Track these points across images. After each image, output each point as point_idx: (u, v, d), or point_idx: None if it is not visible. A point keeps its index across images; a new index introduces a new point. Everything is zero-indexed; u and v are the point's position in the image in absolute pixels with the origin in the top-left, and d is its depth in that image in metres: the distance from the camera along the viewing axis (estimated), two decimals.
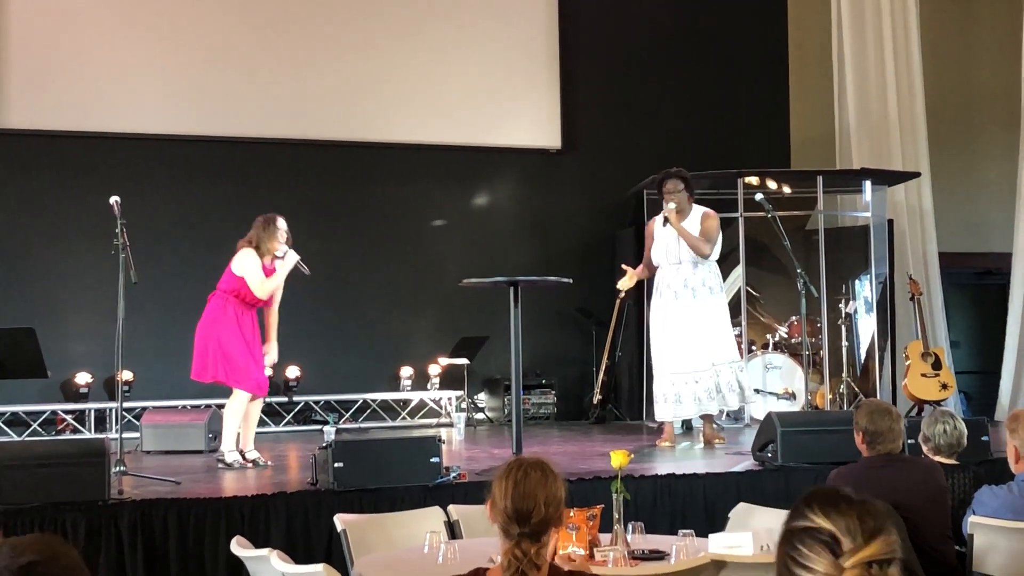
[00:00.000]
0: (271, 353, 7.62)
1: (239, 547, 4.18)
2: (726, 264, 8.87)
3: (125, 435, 7.07)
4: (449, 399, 10.90)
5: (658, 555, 3.99)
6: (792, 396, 9.74)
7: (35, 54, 10.28)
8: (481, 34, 11.47)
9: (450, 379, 10.97)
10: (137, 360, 9.47)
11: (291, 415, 10.42)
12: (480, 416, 10.93)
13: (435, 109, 11.24)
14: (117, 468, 6.25)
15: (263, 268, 7.40)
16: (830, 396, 9.96)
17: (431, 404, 10.96)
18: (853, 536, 1.91)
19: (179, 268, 10.10)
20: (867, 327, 10.90)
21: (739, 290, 10.18)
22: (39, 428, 9.69)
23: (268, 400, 9.99)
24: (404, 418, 10.82)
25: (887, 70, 11.43)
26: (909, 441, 5.77)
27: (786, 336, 10.34)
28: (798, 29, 12.49)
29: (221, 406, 7.83)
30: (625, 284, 8.47)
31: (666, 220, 8.01)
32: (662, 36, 12.07)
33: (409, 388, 10.96)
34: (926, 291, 10.93)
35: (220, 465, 7.28)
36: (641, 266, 8.37)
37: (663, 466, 6.70)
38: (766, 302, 10.73)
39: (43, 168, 10.37)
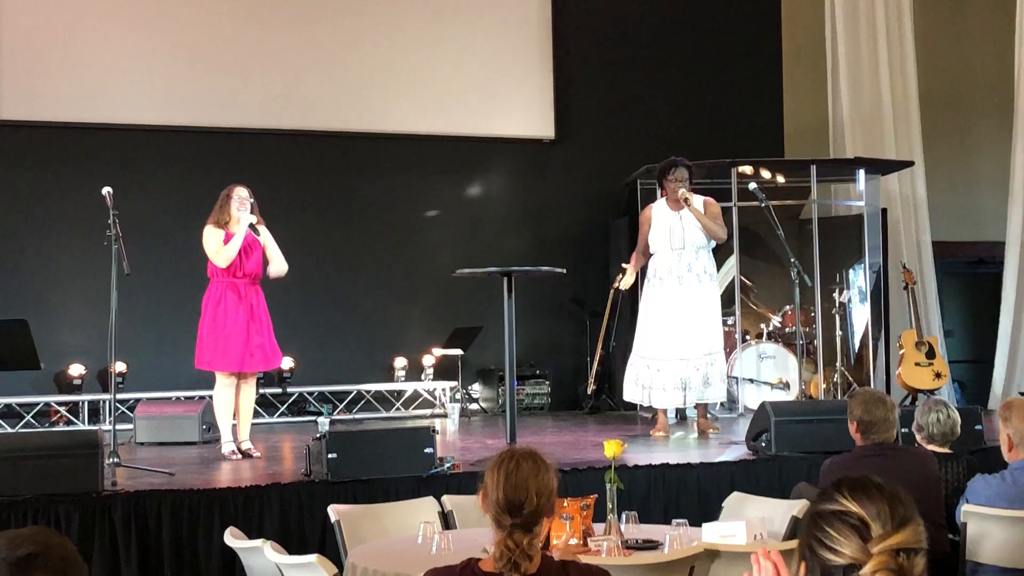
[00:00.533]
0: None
1: (233, 538, 4.18)
2: (720, 254, 8.87)
3: (119, 427, 7.07)
4: (443, 390, 10.90)
5: (652, 544, 4.00)
6: (786, 386, 9.75)
7: (26, 45, 10.24)
8: (474, 24, 11.45)
9: (444, 370, 10.96)
10: (130, 352, 9.46)
11: (285, 406, 10.42)
12: (474, 407, 10.92)
13: (428, 99, 11.21)
14: (111, 460, 6.24)
15: (229, 237, 7.35)
16: (824, 385, 9.97)
17: (425, 395, 10.96)
18: (883, 522, 1.91)
19: (173, 259, 10.07)
20: (861, 316, 10.91)
21: (733, 280, 10.18)
22: (33, 420, 9.68)
23: (262, 391, 10.00)
24: (398, 409, 10.82)
25: (880, 59, 11.43)
26: (903, 430, 5.77)
27: (780, 325, 10.34)
28: (792, 18, 12.48)
29: None
30: (627, 283, 8.47)
31: (686, 201, 8.01)
32: (655, 25, 12.05)
33: (403, 379, 10.95)
34: (920, 280, 10.95)
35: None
36: (635, 256, 8.36)
37: (657, 456, 6.71)
38: (760, 292, 10.73)
39: (35, 159, 10.34)
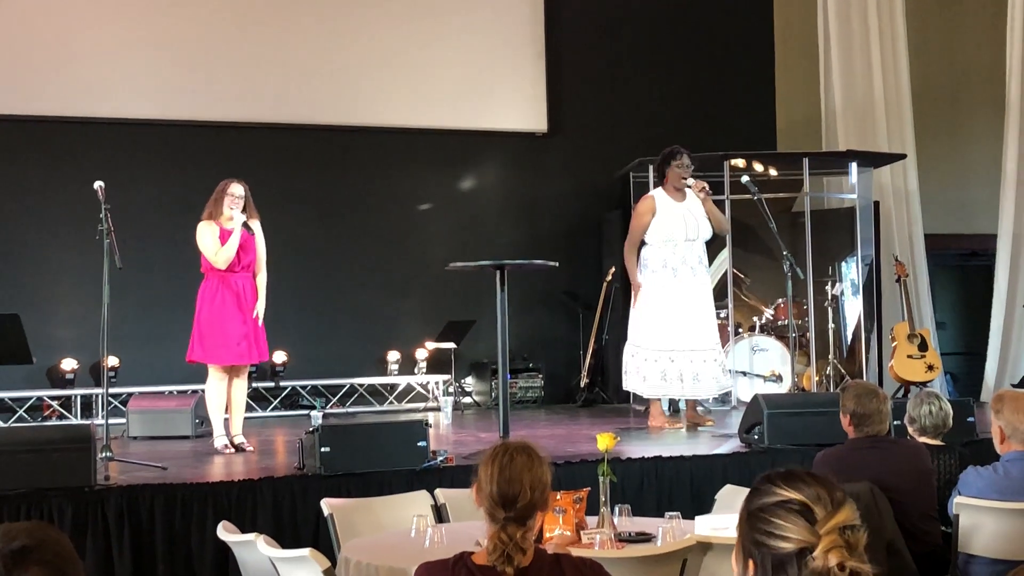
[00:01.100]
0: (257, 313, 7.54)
1: (226, 532, 4.18)
2: (712, 247, 8.88)
3: (111, 421, 7.06)
4: (436, 383, 10.90)
5: (645, 537, 4.01)
6: (778, 378, 9.76)
7: (17, 39, 10.20)
8: (467, 18, 11.42)
9: (437, 363, 10.96)
10: (123, 346, 9.44)
11: (278, 400, 10.41)
12: (467, 400, 10.93)
13: (421, 93, 11.19)
14: (103, 454, 6.25)
15: (224, 234, 7.34)
16: (816, 378, 9.99)
17: (418, 388, 10.96)
18: (824, 504, 1.97)
19: (165, 253, 10.05)
20: (853, 309, 10.92)
21: (726, 272, 10.19)
22: (25, 414, 9.66)
23: (255, 385, 10.00)
24: (391, 402, 10.82)
25: (872, 52, 11.43)
26: (895, 422, 5.79)
27: (772, 318, 10.36)
28: (784, 11, 12.48)
29: None
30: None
31: (704, 191, 8.02)
32: (648, 19, 12.04)
33: (396, 372, 10.94)
34: (912, 273, 10.96)
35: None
36: (632, 256, 8.26)
37: (650, 448, 6.72)
38: (752, 284, 10.74)
39: (26, 154, 10.31)
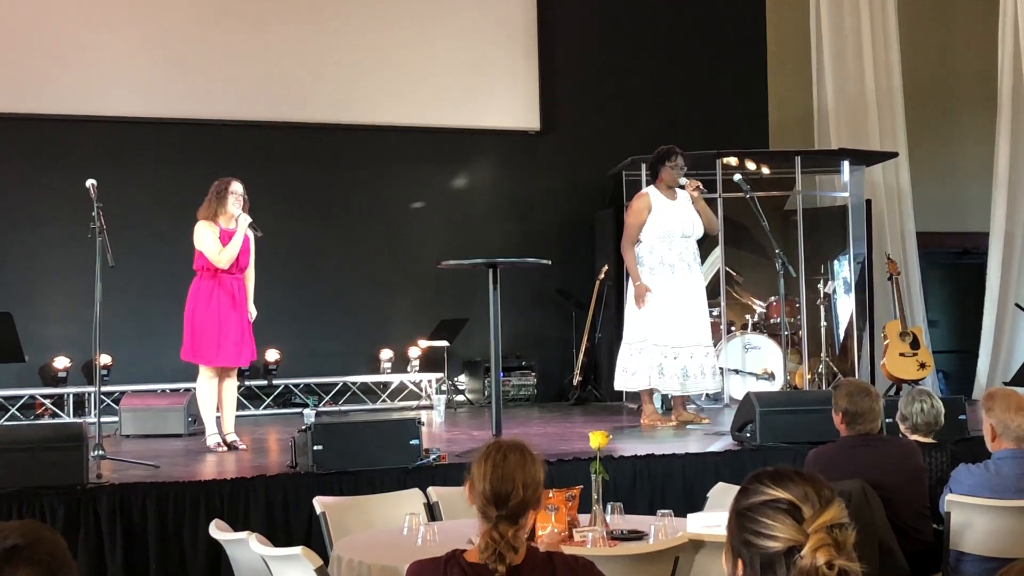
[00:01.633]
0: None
1: (218, 531, 4.18)
2: (704, 245, 8.89)
3: (104, 419, 7.07)
4: (429, 381, 10.89)
5: (637, 535, 4.01)
6: (771, 376, 9.78)
7: (8, 36, 10.18)
8: (459, 15, 11.42)
9: (430, 361, 10.96)
10: (115, 344, 9.43)
11: (271, 398, 10.41)
12: (460, 398, 10.93)
13: (414, 91, 11.19)
14: (96, 452, 6.25)
15: (224, 234, 7.34)
16: (809, 376, 10.01)
17: (411, 386, 10.96)
18: (812, 503, 1.97)
19: (157, 251, 10.04)
20: (845, 307, 10.94)
21: (718, 271, 10.19)
22: (17, 413, 9.64)
23: (247, 383, 10.00)
24: (384, 401, 10.81)
25: (865, 51, 11.45)
26: (887, 420, 5.79)
27: (765, 316, 10.37)
28: (776, 10, 12.49)
29: None
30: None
31: (698, 191, 8.04)
32: (640, 16, 12.04)
33: (389, 370, 10.94)
34: (904, 271, 10.98)
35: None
36: (631, 253, 8.25)
37: (642, 446, 6.72)
38: (745, 283, 10.75)
39: (18, 151, 10.29)
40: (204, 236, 7.30)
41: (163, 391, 9.52)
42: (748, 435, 6.75)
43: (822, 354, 10.31)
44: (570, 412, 10.03)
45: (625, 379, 8.29)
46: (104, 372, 9.22)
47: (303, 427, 6.01)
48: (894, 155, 11.13)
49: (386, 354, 10.94)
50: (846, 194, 10.76)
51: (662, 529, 3.91)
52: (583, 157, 11.67)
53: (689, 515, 4.11)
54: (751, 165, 10.63)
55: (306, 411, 8.55)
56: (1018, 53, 10.39)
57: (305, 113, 10.99)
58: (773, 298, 10.13)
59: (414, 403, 10.78)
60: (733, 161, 10.37)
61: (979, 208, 11.55)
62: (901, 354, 10.04)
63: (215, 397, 7.42)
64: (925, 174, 12.05)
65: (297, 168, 10.98)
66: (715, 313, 9.84)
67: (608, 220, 10.99)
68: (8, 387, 9.72)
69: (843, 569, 1.93)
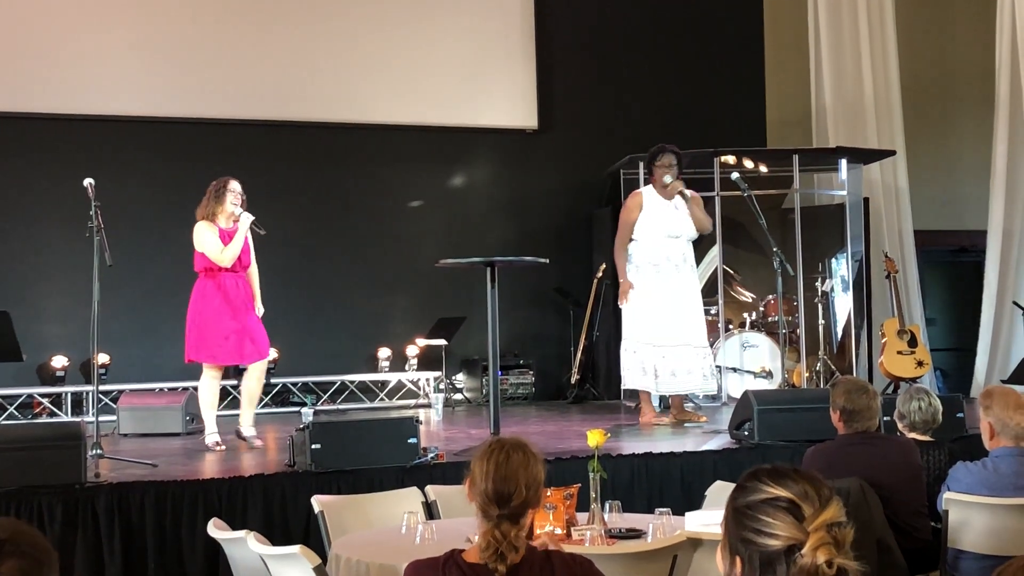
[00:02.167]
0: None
1: (216, 529, 4.18)
2: (702, 243, 8.89)
3: (102, 418, 7.06)
4: (427, 380, 10.89)
5: (635, 533, 4.01)
6: (769, 374, 9.78)
7: (7, 36, 10.17)
8: (457, 15, 11.42)
9: (428, 360, 10.96)
10: (113, 343, 9.43)
11: (269, 397, 10.39)
12: (458, 397, 10.93)
13: (411, 90, 11.19)
14: (94, 451, 6.24)
15: (223, 233, 7.34)
16: (807, 374, 10.01)
17: (409, 385, 10.95)
18: (812, 501, 1.97)
19: (155, 250, 10.04)
20: (843, 305, 10.95)
21: (716, 269, 10.19)
22: (15, 412, 9.63)
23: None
24: (382, 399, 10.81)
25: (862, 49, 11.45)
26: (885, 418, 5.80)
27: (763, 314, 10.37)
28: (774, 8, 12.49)
29: None
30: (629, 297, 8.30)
31: (681, 194, 8.01)
32: (638, 15, 12.04)
33: (387, 369, 10.94)
34: (902, 269, 10.98)
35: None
36: (623, 254, 8.25)
37: (640, 445, 6.72)
38: (743, 281, 10.75)
39: (16, 150, 10.29)
40: (205, 236, 7.30)
41: (161, 390, 9.50)
42: (746, 433, 6.75)
43: (820, 352, 10.31)
44: (568, 410, 10.03)
45: (627, 378, 8.32)
46: (102, 371, 9.22)
47: (301, 426, 6.00)
48: (892, 153, 11.13)
49: (384, 353, 10.95)
50: (844, 192, 10.76)
51: (660, 527, 3.91)
52: (581, 156, 11.67)
53: (687, 513, 4.11)
54: (749, 163, 10.64)
55: (304, 410, 8.55)
56: (1015, 52, 10.39)
57: (303, 112, 10.99)
58: (771, 296, 10.13)
59: (412, 402, 10.78)
60: (731, 159, 10.37)
61: (977, 206, 11.55)
62: (899, 352, 10.04)
63: (216, 396, 7.44)
64: (923, 172, 12.05)
65: (294, 167, 10.98)
66: (713, 311, 9.85)
67: (606, 219, 10.99)
68: (6, 386, 9.71)
69: (842, 568, 1.93)
